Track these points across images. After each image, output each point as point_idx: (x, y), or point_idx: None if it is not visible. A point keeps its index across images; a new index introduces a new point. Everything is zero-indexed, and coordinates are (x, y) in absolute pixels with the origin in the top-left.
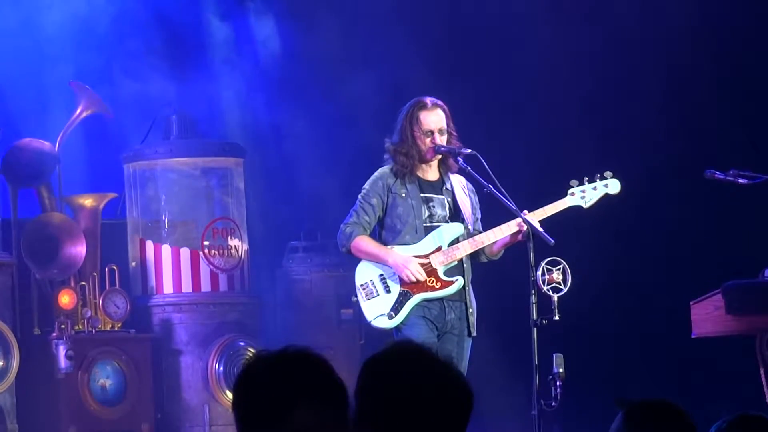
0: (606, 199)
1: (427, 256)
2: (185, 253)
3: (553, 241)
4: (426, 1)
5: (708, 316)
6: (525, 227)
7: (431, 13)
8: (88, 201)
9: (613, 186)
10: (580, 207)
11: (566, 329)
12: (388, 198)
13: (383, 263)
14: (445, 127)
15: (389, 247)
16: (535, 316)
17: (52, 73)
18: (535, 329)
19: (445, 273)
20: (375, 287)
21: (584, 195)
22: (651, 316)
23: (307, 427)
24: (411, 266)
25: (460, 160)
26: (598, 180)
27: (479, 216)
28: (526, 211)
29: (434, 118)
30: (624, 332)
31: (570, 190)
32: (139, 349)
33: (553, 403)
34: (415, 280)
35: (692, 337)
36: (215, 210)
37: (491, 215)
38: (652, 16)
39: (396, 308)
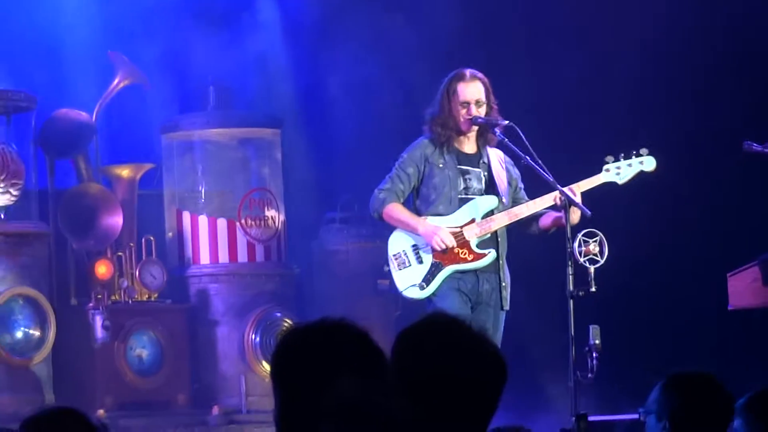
0: (648, 174)
1: (460, 227)
2: (222, 223)
3: (590, 212)
4: None
5: (745, 288)
6: (562, 199)
7: None
8: (125, 171)
9: (648, 163)
10: (614, 183)
11: (602, 301)
12: (425, 167)
13: (413, 231)
14: (483, 99)
15: (422, 216)
16: (571, 288)
17: (89, 43)
18: (571, 301)
19: (479, 245)
20: (407, 257)
21: (619, 171)
22: (687, 288)
23: (350, 396)
24: (441, 233)
25: (498, 131)
26: (633, 157)
27: (522, 186)
28: (566, 187)
29: (472, 90)
30: (660, 304)
31: (605, 166)
32: (176, 320)
33: (590, 375)
34: (444, 246)
35: (729, 309)
36: (252, 181)
37: (528, 189)
38: None
39: (428, 279)
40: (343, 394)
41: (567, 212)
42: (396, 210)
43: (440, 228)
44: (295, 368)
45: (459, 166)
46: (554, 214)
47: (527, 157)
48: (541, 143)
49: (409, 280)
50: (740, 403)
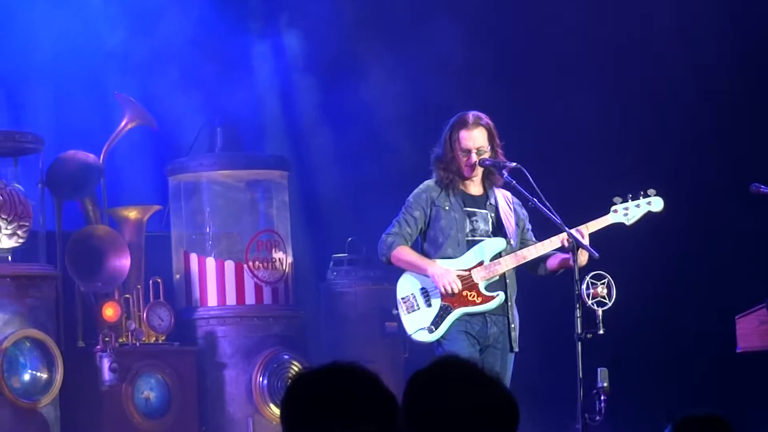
0: (656, 214)
1: (468, 270)
2: (229, 265)
3: (597, 254)
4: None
5: (753, 330)
6: (569, 241)
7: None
8: (132, 213)
9: (656, 203)
10: (622, 224)
11: (611, 343)
12: (431, 210)
13: (422, 273)
14: (485, 145)
15: (431, 259)
16: (579, 330)
17: (97, 85)
18: (579, 343)
19: (487, 288)
20: (416, 300)
21: (627, 212)
22: (696, 330)
23: None
24: (449, 276)
25: (505, 173)
26: (641, 197)
27: (530, 227)
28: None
29: (474, 137)
30: (669, 346)
31: (613, 207)
32: (183, 362)
33: (598, 417)
34: (451, 291)
35: (737, 351)
36: (260, 222)
37: (536, 230)
38: (698, 33)
39: (436, 322)
40: None
41: (575, 254)
42: (404, 252)
43: (449, 271)
44: (305, 414)
45: (465, 208)
46: (561, 255)
47: (535, 199)
48: (548, 183)
49: (418, 323)
50: None
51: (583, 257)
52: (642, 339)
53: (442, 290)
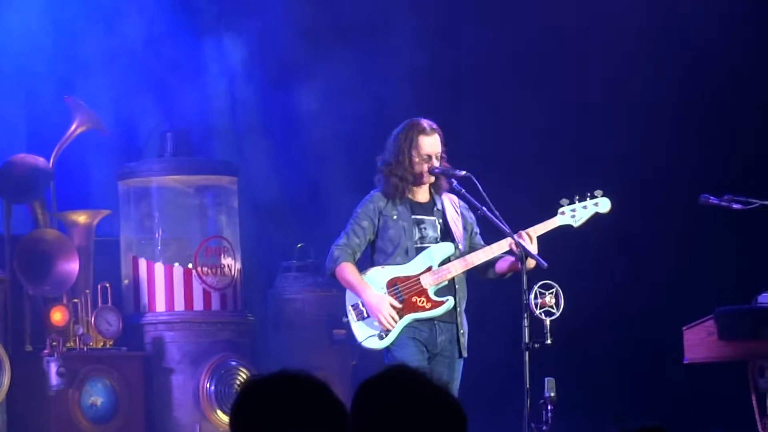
0: (598, 220)
1: (416, 276)
2: (178, 271)
3: (546, 264)
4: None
5: (700, 341)
6: (518, 249)
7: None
8: (81, 218)
9: (603, 204)
10: (570, 226)
11: (558, 353)
12: (379, 221)
13: (358, 296)
14: (440, 151)
15: (377, 267)
16: (527, 340)
17: (46, 89)
18: (527, 353)
19: (436, 293)
20: (365, 308)
21: (574, 214)
22: (643, 341)
23: None
24: (384, 310)
25: (454, 181)
26: (588, 198)
27: (478, 231)
28: (521, 232)
29: (433, 143)
30: (616, 357)
31: (560, 209)
32: (131, 367)
33: (544, 427)
34: (387, 326)
35: (684, 362)
36: (209, 228)
37: (485, 235)
38: (652, 35)
39: (386, 329)
40: None
41: (523, 262)
42: (346, 271)
43: (383, 302)
44: (254, 421)
45: (413, 216)
46: (510, 258)
47: (484, 208)
48: (496, 188)
49: (368, 330)
50: None
51: (530, 262)
52: (590, 349)
53: (379, 323)
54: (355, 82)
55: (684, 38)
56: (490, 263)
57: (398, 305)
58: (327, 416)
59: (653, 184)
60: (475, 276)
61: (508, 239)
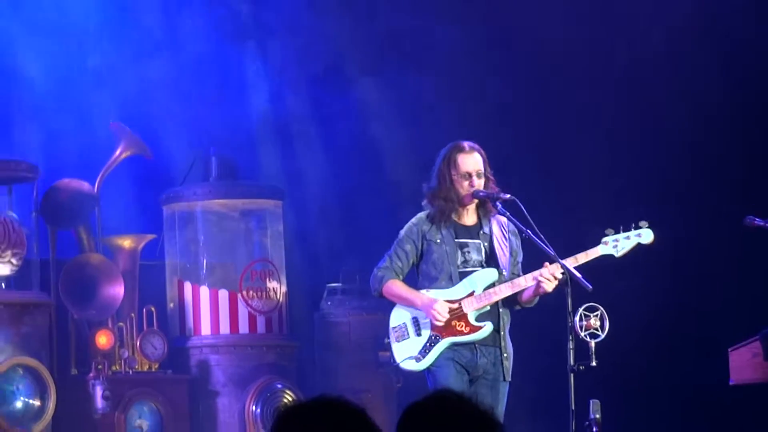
0: (646, 246)
1: (458, 301)
2: (223, 294)
3: (590, 286)
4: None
5: (746, 363)
6: (564, 278)
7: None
8: (126, 242)
9: (646, 236)
10: (611, 256)
11: (603, 375)
12: (422, 244)
13: (412, 306)
14: (482, 170)
15: (423, 290)
16: (572, 362)
17: (92, 114)
18: (572, 375)
19: (477, 318)
20: (407, 330)
21: (617, 244)
22: (689, 363)
23: None
24: (437, 306)
25: (499, 205)
26: (632, 229)
27: (520, 259)
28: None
29: (472, 161)
30: (661, 379)
31: (603, 239)
32: (176, 391)
33: None
34: (441, 318)
35: (730, 384)
36: (254, 252)
37: (532, 263)
38: (693, 60)
39: (424, 351)
40: None
41: (569, 286)
42: (395, 286)
43: (437, 300)
44: None
45: (457, 240)
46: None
47: (528, 231)
48: (540, 214)
49: (407, 352)
50: None
51: (550, 285)
52: (635, 371)
53: (433, 319)
54: (404, 100)
55: (727, 55)
56: (515, 296)
57: (443, 322)
58: None
59: (698, 205)
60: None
61: (555, 266)
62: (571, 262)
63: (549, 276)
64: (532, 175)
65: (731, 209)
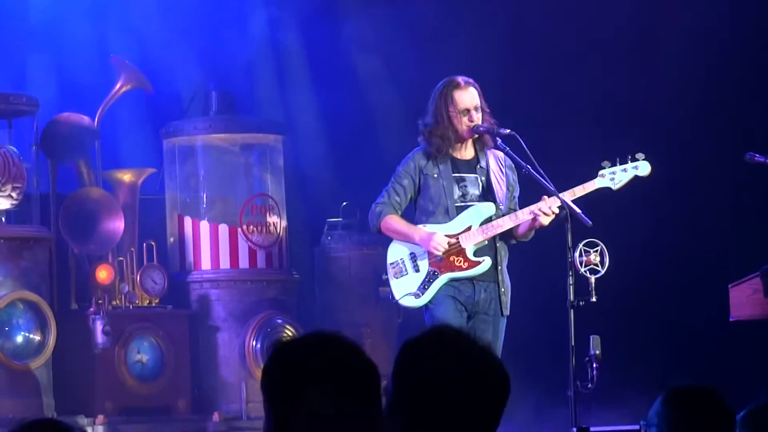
0: (643, 180)
1: (456, 235)
2: (223, 229)
3: (590, 222)
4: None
5: (746, 299)
6: (559, 208)
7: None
8: (126, 176)
9: (643, 168)
10: (609, 189)
11: (603, 311)
12: (420, 179)
13: (410, 240)
14: (479, 104)
15: (420, 225)
16: (572, 298)
17: (91, 47)
18: (572, 310)
19: (475, 253)
20: (404, 266)
21: (614, 177)
22: (689, 299)
23: (322, 413)
24: (436, 238)
25: (499, 140)
26: (629, 161)
27: (517, 193)
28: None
29: (468, 97)
30: (661, 314)
31: (600, 172)
32: (177, 325)
33: (590, 385)
34: (440, 250)
35: (730, 320)
36: (254, 186)
37: (531, 198)
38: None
39: (423, 287)
40: (314, 408)
41: (568, 221)
42: (392, 221)
43: (435, 233)
44: (282, 381)
45: (455, 174)
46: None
47: (528, 167)
48: (536, 148)
49: (405, 288)
50: (741, 416)
51: (546, 219)
52: (634, 306)
53: (432, 250)
54: (397, 36)
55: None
56: (511, 230)
57: (441, 253)
58: (358, 378)
59: (698, 142)
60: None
61: (554, 199)
62: (568, 196)
63: (546, 210)
64: (527, 109)
65: (733, 143)
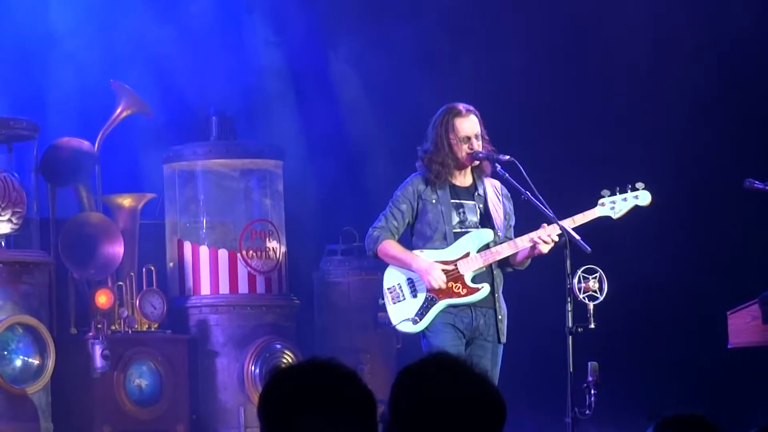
0: (643, 208)
1: (454, 262)
2: (223, 254)
3: (589, 248)
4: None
5: (745, 326)
6: (558, 235)
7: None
8: (126, 201)
9: (643, 197)
10: (609, 218)
11: (601, 337)
12: (418, 204)
13: (407, 267)
14: (479, 132)
15: (417, 252)
16: (570, 324)
17: (92, 73)
18: (570, 337)
19: (473, 279)
20: (402, 291)
21: (614, 206)
22: (687, 326)
23: None
24: (434, 272)
25: (498, 166)
26: (629, 191)
27: (513, 223)
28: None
29: (469, 124)
30: (660, 341)
31: (600, 200)
32: (176, 350)
33: (587, 411)
34: (437, 286)
35: (729, 347)
36: (254, 212)
37: (530, 224)
38: (694, 26)
39: (421, 313)
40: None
41: (567, 248)
42: (390, 247)
43: (434, 266)
44: (278, 408)
45: (453, 200)
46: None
47: (528, 193)
48: (536, 176)
49: (403, 314)
50: None
51: (546, 248)
52: (633, 333)
53: (429, 285)
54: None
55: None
56: (507, 258)
57: (450, 268)
58: (354, 404)
59: (697, 169)
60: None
61: (553, 226)
62: (568, 224)
63: (546, 237)
64: (527, 136)
65: (732, 172)
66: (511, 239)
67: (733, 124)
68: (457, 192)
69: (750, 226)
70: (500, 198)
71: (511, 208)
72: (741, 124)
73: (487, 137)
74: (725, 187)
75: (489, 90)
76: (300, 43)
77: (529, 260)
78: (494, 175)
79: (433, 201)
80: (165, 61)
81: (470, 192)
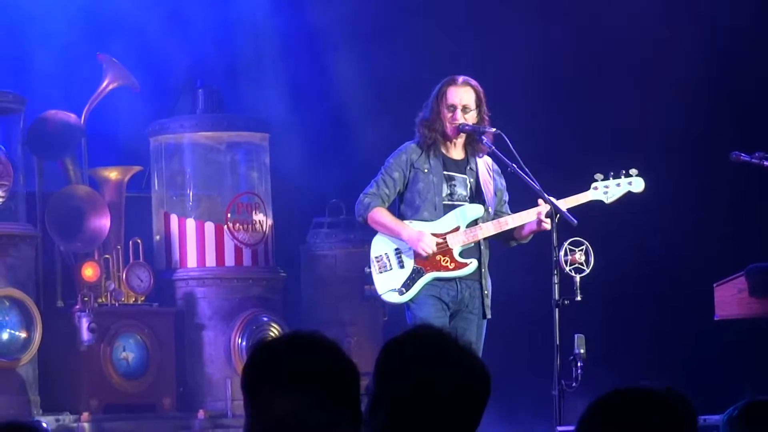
0: (636, 195)
1: (444, 234)
2: (209, 227)
3: (576, 221)
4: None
5: (731, 298)
6: (549, 211)
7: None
8: (113, 174)
9: (637, 184)
10: (601, 202)
11: (588, 310)
12: (410, 172)
13: (397, 236)
14: (471, 105)
15: (406, 221)
16: (557, 297)
17: (78, 45)
18: (556, 310)
19: (461, 254)
20: (389, 261)
21: (607, 190)
22: (673, 298)
23: (301, 412)
24: (425, 238)
25: (485, 138)
26: (622, 176)
27: (507, 198)
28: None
29: (458, 94)
30: (646, 313)
31: (594, 184)
32: (162, 323)
33: (574, 384)
34: (428, 252)
35: (715, 319)
36: (240, 184)
37: (516, 198)
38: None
39: (407, 284)
40: (282, 410)
41: (553, 221)
42: (380, 214)
43: (424, 233)
44: (261, 382)
45: (445, 172)
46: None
47: (514, 165)
48: (532, 159)
49: (389, 284)
50: (725, 415)
51: (548, 224)
52: (619, 305)
53: (420, 252)
54: (393, 36)
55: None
56: (511, 232)
57: (429, 255)
58: (336, 378)
59: (684, 142)
60: (494, 239)
61: (538, 208)
62: (560, 205)
63: (544, 217)
64: (522, 118)
65: (718, 143)
66: (507, 213)
67: (720, 94)
68: (448, 164)
69: (736, 199)
70: (491, 174)
71: (503, 183)
72: (727, 95)
73: (487, 116)
74: (711, 161)
75: (487, 69)
76: (285, 12)
77: (531, 236)
78: (481, 148)
79: (425, 170)
80: (152, 33)
81: (462, 166)
